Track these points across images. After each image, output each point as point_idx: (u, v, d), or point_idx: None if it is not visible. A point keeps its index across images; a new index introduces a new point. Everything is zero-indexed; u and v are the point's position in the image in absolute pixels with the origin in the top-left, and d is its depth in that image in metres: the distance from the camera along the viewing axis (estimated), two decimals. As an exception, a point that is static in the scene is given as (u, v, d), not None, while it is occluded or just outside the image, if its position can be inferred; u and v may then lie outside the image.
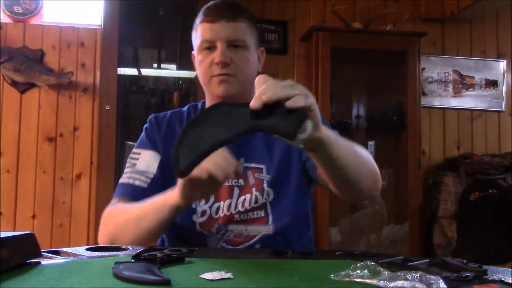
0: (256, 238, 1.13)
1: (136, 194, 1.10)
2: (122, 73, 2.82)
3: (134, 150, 1.20)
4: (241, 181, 1.16)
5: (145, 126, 1.24)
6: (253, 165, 1.17)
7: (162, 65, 3.01)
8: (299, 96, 0.74)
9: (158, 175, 1.14)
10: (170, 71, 3.03)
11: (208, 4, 1.17)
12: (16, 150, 2.89)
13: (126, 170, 1.16)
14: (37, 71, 2.87)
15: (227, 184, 1.14)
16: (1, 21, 2.92)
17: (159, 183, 1.13)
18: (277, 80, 0.77)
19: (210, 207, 1.15)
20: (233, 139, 0.74)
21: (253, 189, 1.15)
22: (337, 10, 3.14)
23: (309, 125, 0.75)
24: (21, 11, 2.95)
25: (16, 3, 2.94)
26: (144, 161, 1.15)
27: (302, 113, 0.74)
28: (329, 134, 0.87)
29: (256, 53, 1.21)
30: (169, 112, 1.26)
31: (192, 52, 1.21)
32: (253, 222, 1.14)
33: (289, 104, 0.72)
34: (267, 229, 1.14)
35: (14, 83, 2.89)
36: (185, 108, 1.28)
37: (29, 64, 2.86)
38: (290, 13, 3.31)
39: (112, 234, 1.06)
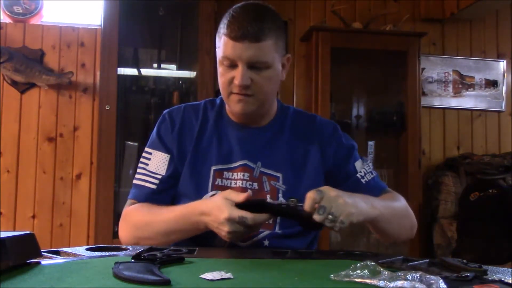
0: (265, 233, 1.13)
1: (147, 196, 1.18)
2: (122, 73, 2.82)
3: (147, 149, 1.23)
4: (255, 185, 1.17)
5: (158, 121, 1.24)
6: (269, 171, 1.18)
7: (162, 65, 3.00)
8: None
9: (168, 174, 1.18)
10: (170, 71, 3.02)
11: (235, 13, 1.08)
12: (16, 150, 2.89)
13: (139, 170, 1.21)
14: (37, 71, 2.87)
15: (241, 185, 1.16)
16: (1, 21, 2.92)
17: (169, 181, 1.18)
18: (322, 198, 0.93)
19: None
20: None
21: (268, 196, 1.16)
22: (337, 10, 3.14)
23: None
24: (21, 11, 2.95)
25: (16, 3, 2.94)
26: (154, 163, 1.20)
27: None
28: (369, 212, 1.02)
29: (281, 62, 1.15)
30: (183, 105, 1.26)
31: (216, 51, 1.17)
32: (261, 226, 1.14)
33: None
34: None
35: (14, 83, 2.89)
36: (201, 102, 1.27)
37: (29, 64, 2.86)
38: (290, 13, 3.31)
39: (137, 239, 1.13)
